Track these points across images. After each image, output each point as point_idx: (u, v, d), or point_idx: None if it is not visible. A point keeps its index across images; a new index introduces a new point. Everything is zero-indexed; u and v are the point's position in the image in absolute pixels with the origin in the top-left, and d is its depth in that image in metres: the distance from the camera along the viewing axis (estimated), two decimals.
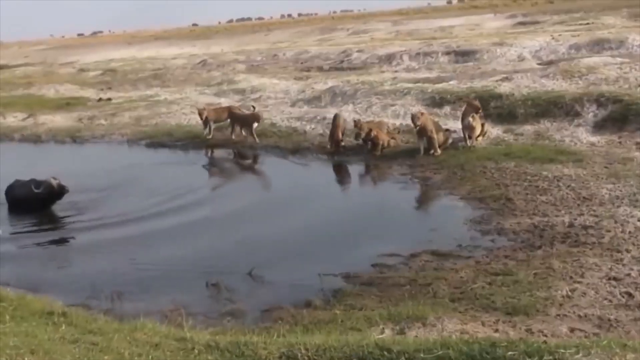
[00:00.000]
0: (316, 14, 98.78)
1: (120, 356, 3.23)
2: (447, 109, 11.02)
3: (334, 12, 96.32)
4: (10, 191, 8.26)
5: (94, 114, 15.35)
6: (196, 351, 3.32)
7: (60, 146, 13.30)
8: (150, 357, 3.22)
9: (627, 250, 5.14)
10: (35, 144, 13.76)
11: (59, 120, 15.22)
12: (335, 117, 10.15)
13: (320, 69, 19.59)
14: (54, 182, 7.79)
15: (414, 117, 8.96)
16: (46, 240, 7.20)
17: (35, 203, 7.82)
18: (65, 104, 17.36)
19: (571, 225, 5.86)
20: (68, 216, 7.86)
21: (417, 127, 8.91)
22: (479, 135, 9.23)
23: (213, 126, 11.54)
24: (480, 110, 9.11)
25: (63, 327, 3.80)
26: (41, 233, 7.41)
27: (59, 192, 7.81)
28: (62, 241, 7.22)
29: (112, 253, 6.42)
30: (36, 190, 7.77)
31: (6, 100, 18.71)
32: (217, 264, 5.85)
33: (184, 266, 5.91)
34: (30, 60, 37.55)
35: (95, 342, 3.46)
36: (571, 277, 4.73)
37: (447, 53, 17.83)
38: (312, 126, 11.18)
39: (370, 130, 9.52)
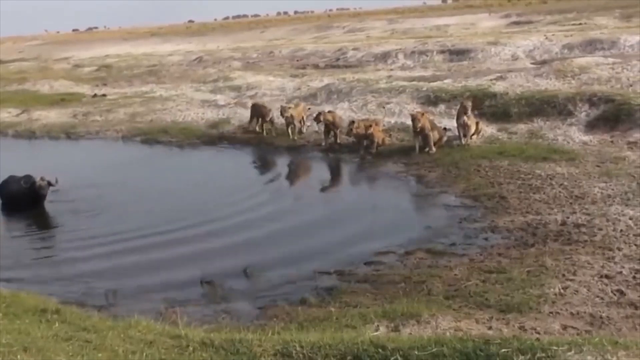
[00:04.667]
0: (312, 11, 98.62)
1: (114, 354, 3.22)
2: (442, 107, 11.06)
3: (330, 10, 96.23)
4: (3, 187, 8.19)
5: (88, 110, 15.25)
6: (191, 349, 3.31)
7: (55, 142, 13.21)
8: (144, 354, 3.21)
9: (619, 249, 5.20)
10: (29, 139, 13.65)
11: (53, 116, 15.10)
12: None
13: (316, 66, 19.56)
14: (37, 182, 7.66)
15: (414, 119, 8.94)
16: (39, 236, 7.17)
17: (25, 200, 7.73)
18: (60, 100, 17.22)
19: (564, 223, 5.91)
20: (64, 213, 7.82)
21: (418, 129, 8.92)
22: (473, 134, 9.28)
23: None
24: (469, 111, 9.09)
25: (56, 325, 3.78)
26: (35, 230, 7.38)
27: (37, 192, 7.67)
28: (54, 236, 7.20)
29: (106, 249, 6.40)
30: (24, 186, 7.70)
31: (0, 96, 18.52)
32: (212, 262, 5.84)
33: (178, 263, 5.90)
34: (25, 56, 37.19)
35: (89, 340, 3.45)
36: (564, 275, 4.77)
37: (442, 52, 17.87)
38: (308, 124, 11.18)
39: (367, 127, 9.52)
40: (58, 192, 7.96)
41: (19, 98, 18.12)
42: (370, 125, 9.55)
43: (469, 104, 9.23)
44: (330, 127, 10.16)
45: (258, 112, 11.45)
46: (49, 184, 7.77)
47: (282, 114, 10.65)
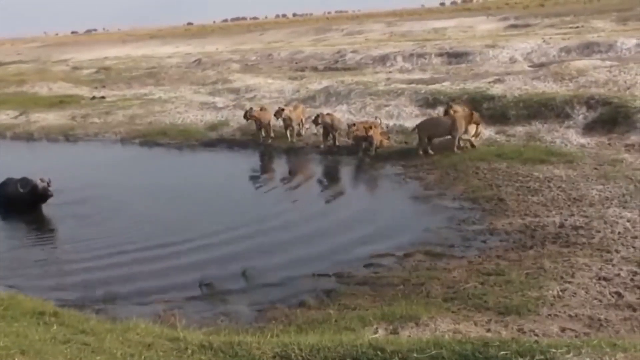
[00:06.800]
0: (311, 14, 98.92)
1: (112, 356, 3.21)
2: (440, 109, 11.08)
3: (329, 12, 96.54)
4: (1, 189, 8.16)
5: (87, 112, 15.25)
6: (189, 351, 3.31)
7: (53, 144, 13.20)
8: (142, 357, 3.20)
9: (617, 251, 5.21)
10: (27, 141, 13.64)
11: (51, 118, 15.10)
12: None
13: (314, 69, 19.61)
14: (39, 184, 7.63)
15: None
16: (37, 235, 7.16)
17: (22, 203, 7.70)
18: (59, 102, 17.22)
19: (562, 225, 5.92)
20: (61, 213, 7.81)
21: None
22: (472, 136, 9.29)
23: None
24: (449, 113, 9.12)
25: (55, 327, 3.76)
26: (33, 232, 7.37)
27: (42, 194, 7.65)
28: (52, 238, 7.18)
29: (104, 250, 6.39)
30: (21, 190, 7.67)
31: None
32: (211, 264, 5.83)
33: (177, 265, 5.89)
34: (24, 58, 37.21)
35: (87, 343, 3.44)
36: (562, 277, 4.78)
37: (440, 54, 17.93)
38: (307, 126, 11.19)
39: (367, 129, 9.54)
40: (53, 192, 7.93)
41: (17, 100, 18.10)
42: (370, 127, 9.57)
43: (453, 106, 9.31)
44: (329, 129, 10.17)
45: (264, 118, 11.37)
46: (48, 184, 7.76)
47: (276, 116, 10.65)
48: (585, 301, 4.42)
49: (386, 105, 11.70)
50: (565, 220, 6.03)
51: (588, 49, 15.78)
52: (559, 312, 4.28)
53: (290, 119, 10.67)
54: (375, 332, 3.95)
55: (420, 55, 18.18)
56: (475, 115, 8.94)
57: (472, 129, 9.19)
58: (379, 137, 9.74)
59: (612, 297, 4.45)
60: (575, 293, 4.53)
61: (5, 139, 13.82)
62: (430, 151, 9.06)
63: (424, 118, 10.19)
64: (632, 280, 4.68)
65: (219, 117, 13.08)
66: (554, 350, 2.85)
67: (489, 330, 4.04)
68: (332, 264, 5.59)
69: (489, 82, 12.03)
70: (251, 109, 11.22)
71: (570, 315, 4.23)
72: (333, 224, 6.90)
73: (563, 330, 4.04)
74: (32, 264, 6.27)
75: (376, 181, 8.70)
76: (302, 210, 7.59)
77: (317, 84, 14.86)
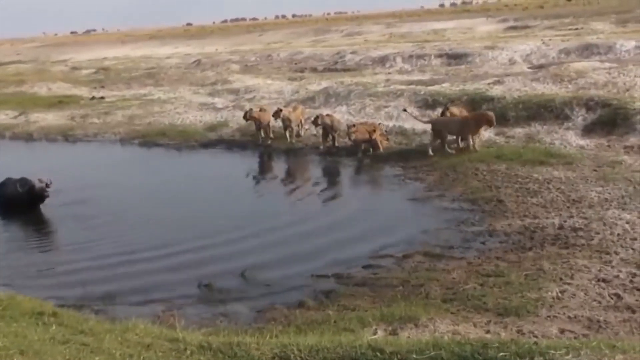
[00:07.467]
0: (310, 15, 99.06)
1: (111, 357, 3.20)
2: (439, 110, 11.09)
3: (328, 13, 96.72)
4: (0, 189, 8.15)
5: (86, 113, 15.25)
6: (188, 352, 3.30)
7: (52, 144, 13.19)
8: (141, 358, 3.20)
9: (616, 253, 5.22)
10: (26, 142, 13.63)
11: (51, 118, 15.09)
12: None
13: (314, 69, 19.62)
14: (37, 184, 7.64)
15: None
16: (36, 236, 7.15)
17: (20, 203, 7.69)
18: (58, 102, 17.22)
19: (561, 227, 5.93)
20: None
21: None
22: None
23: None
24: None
25: (53, 328, 3.77)
26: (32, 233, 7.37)
27: (39, 194, 7.66)
28: (51, 239, 7.17)
29: (103, 250, 6.38)
30: (20, 190, 7.67)
31: None
32: (210, 265, 5.83)
33: (176, 266, 5.89)
34: (23, 58, 37.20)
35: (86, 343, 3.44)
36: (561, 279, 4.78)
37: (440, 56, 17.95)
38: (306, 127, 11.20)
39: (371, 132, 9.55)
40: (52, 193, 7.93)
41: (16, 100, 18.10)
42: (374, 130, 9.60)
43: (450, 108, 9.33)
44: (329, 130, 10.18)
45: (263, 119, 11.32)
46: (47, 185, 7.76)
47: (275, 116, 10.66)
48: (585, 303, 4.42)
49: (385, 107, 11.71)
50: (565, 221, 6.04)
51: (587, 50, 15.81)
52: (558, 313, 4.28)
53: (289, 119, 10.68)
54: (375, 333, 3.96)
55: (419, 57, 18.20)
56: (488, 115, 8.87)
57: (483, 130, 9.18)
58: (379, 138, 9.76)
59: (611, 298, 4.46)
60: (574, 294, 4.53)
61: (5, 139, 13.81)
62: (430, 152, 9.07)
63: (424, 119, 10.20)
64: (631, 282, 4.69)
65: (218, 118, 13.08)
66: (553, 351, 2.85)
67: (488, 332, 4.05)
68: (332, 264, 5.59)
69: (489, 84, 12.04)
70: (251, 109, 11.22)
71: (569, 317, 4.24)
72: (332, 225, 6.89)
73: (562, 331, 4.04)
74: (31, 264, 6.26)
75: (375, 182, 8.71)
76: (301, 211, 7.58)
77: (316, 84, 14.87)
